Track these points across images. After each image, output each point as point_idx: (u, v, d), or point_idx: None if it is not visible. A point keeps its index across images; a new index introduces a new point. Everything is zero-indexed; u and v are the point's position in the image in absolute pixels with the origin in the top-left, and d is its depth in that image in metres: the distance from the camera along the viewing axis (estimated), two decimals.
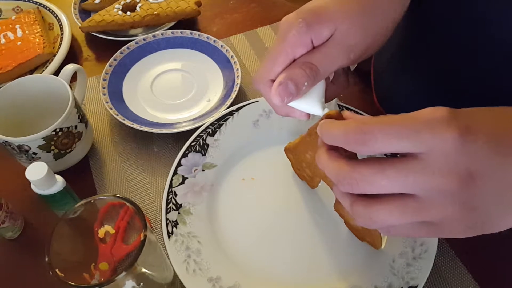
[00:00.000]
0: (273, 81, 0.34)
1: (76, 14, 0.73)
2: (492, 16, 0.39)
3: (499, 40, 0.39)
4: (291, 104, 0.36)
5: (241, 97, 0.61)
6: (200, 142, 0.53)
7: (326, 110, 0.34)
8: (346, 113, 0.32)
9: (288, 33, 0.33)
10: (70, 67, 0.54)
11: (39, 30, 0.68)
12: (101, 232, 0.40)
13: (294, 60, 0.34)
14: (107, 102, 0.58)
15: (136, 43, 0.66)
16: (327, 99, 0.38)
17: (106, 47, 0.69)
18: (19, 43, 0.66)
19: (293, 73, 0.33)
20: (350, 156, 0.29)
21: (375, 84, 0.59)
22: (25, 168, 0.43)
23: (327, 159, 0.30)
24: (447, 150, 0.25)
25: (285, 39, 0.33)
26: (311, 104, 0.35)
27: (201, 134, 0.53)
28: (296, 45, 0.33)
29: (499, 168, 0.26)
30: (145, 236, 0.33)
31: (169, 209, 0.47)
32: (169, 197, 0.48)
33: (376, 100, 0.59)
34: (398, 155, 0.27)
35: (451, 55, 0.45)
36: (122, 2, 0.71)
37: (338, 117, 0.32)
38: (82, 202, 0.36)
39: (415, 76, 0.50)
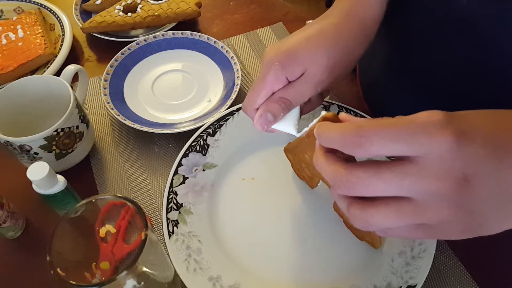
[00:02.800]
0: (257, 109, 0.42)
1: (77, 15, 0.73)
2: (479, 18, 0.39)
3: (494, 48, 0.39)
4: (272, 126, 0.43)
5: (241, 97, 0.61)
6: (200, 142, 0.53)
7: (300, 134, 0.41)
8: (342, 115, 0.33)
9: (268, 73, 0.41)
10: (71, 68, 0.54)
11: (40, 30, 0.68)
12: (102, 232, 0.40)
13: (273, 93, 0.42)
14: (108, 103, 0.58)
15: (137, 44, 0.66)
16: (304, 112, 0.46)
17: (107, 48, 0.69)
18: (20, 43, 0.67)
19: (271, 107, 0.41)
20: (347, 159, 0.29)
21: (364, 95, 0.60)
22: (27, 168, 0.43)
23: (324, 161, 0.30)
24: (443, 153, 0.25)
25: (265, 78, 0.41)
26: (287, 126, 0.43)
27: (202, 134, 0.53)
28: (274, 83, 0.41)
29: (495, 171, 0.26)
30: (146, 235, 0.33)
31: (169, 209, 0.48)
32: (170, 196, 0.49)
33: (368, 108, 0.59)
34: (393, 158, 0.27)
35: (441, 63, 0.45)
36: (123, 3, 0.72)
37: (335, 119, 0.33)
38: (83, 201, 0.36)
39: (405, 85, 0.51)
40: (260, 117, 0.41)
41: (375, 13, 0.44)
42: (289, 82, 0.42)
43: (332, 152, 0.30)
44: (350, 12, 0.43)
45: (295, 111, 0.43)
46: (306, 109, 0.47)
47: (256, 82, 0.42)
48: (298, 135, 0.42)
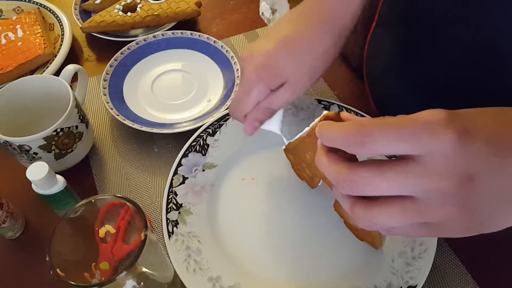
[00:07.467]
0: (245, 115, 0.47)
1: (76, 15, 0.73)
2: (486, 16, 0.39)
3: (499, 42, 0.39)
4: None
5: None
6: (200, 142, 0.53)
7: (295, 138, 0.43)
8: (344, 114, 0.33)
9: (252, 90, 0.44)
10: (70, 68, 0.54)
11: (39, 30, 0.68)
12: (101, 232, 0.40)
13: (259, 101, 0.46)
14: (107, 102, 0.58)
15: (137, 43, 0.66)
16: None
17: (107, 48, 0.69)
18: (19, 43, 0.67)
19: (258, 116, 0.46)
20: (350, 158, 0.29)
21: (371, 90, 0.59)
22: (26, 168, 0.43)
23: (327, 161, 0.30)
24: (445, 152, 0.25)
25: (250, 94, 0.44)
26: (272, 126, 0.48)
27: (202, 134, 0.53)
28: (259, 97, 0.45)
29: (498, 169, 0.26)
30: (146, 235, 0.33)
31: (169, 209, 0.47)
32: (170, 197, 0.48)
33: (374, 105, 0.59)
34: (396, 157, 0.27)
35: (448, 60, 0.45)
36: (123, 3, 0.71)
37: (337, 118, 0.32)
38: (83, 202, 0.36)
39: (411, 81, 0.51)
40: (249, 125, 0.47)
41: (355, 12, 0.45)
42: (272, 90, 0.45)
43: (334, 152, 0.30)
44: (329, 15, 0.45)
45: (278, 114, 0.48)
46: None
47: (241, 94, 0.46)
48: (280, 132, 0.47)
